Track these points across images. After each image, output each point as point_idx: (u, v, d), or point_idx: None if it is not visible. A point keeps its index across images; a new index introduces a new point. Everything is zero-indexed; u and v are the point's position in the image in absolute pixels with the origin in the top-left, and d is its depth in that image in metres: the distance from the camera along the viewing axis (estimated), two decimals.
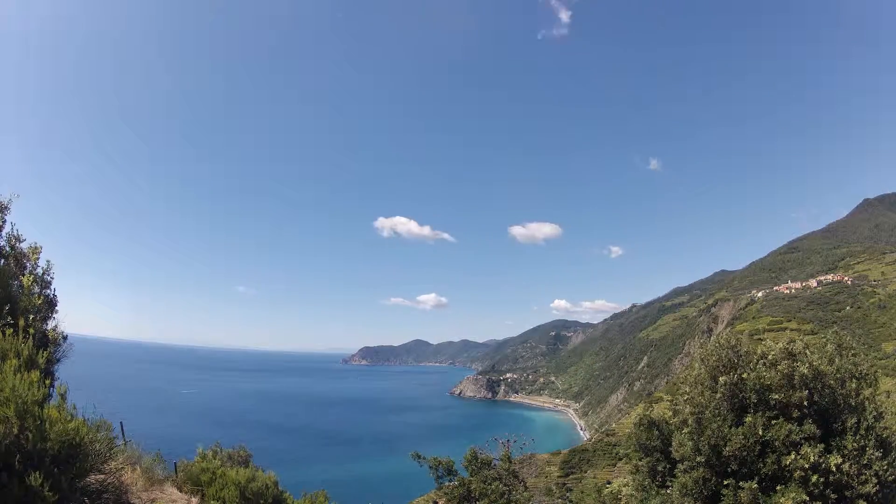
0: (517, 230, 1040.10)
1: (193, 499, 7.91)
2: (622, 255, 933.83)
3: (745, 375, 9.00)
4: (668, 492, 9.85)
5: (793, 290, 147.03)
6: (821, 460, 7.96)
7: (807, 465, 7.90)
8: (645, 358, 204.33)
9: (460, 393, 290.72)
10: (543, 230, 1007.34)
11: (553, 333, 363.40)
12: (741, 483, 8.19)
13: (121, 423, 7.36)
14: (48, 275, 6.74)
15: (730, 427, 8.67)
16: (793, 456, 8.02)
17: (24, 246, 6.69)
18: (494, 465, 17.04)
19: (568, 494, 32.90)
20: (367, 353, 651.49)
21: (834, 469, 7.95)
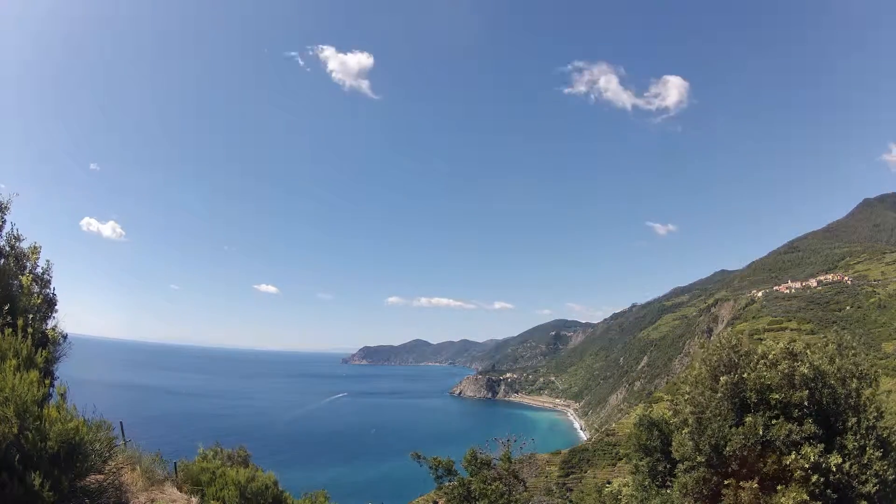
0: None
1: (193, 499, 7.91)
2: (621, 254, 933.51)
3: (745, 375, 9.01)
4: (669, 492, 9.85)
5: (793, 290, 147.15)
6: (821, 460, 7.96)
7: (807, 465, 7.90)
8: (645, 358, 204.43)
9: (460, 393, 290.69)
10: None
11: (553, 333, 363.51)
12: (742, 483, 8.19)
13: (121, 423, 7.35)
14: (47, 274, 6.75)
15: (730, 427, 8.67)
16: (793, 456, 8.03)
17: (23, 245, 6.69)
18: (494, 465, 17.01)
19: (568, 494, 32.94)
20: (367, 352, 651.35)
21: (834, 469, 7.96)
